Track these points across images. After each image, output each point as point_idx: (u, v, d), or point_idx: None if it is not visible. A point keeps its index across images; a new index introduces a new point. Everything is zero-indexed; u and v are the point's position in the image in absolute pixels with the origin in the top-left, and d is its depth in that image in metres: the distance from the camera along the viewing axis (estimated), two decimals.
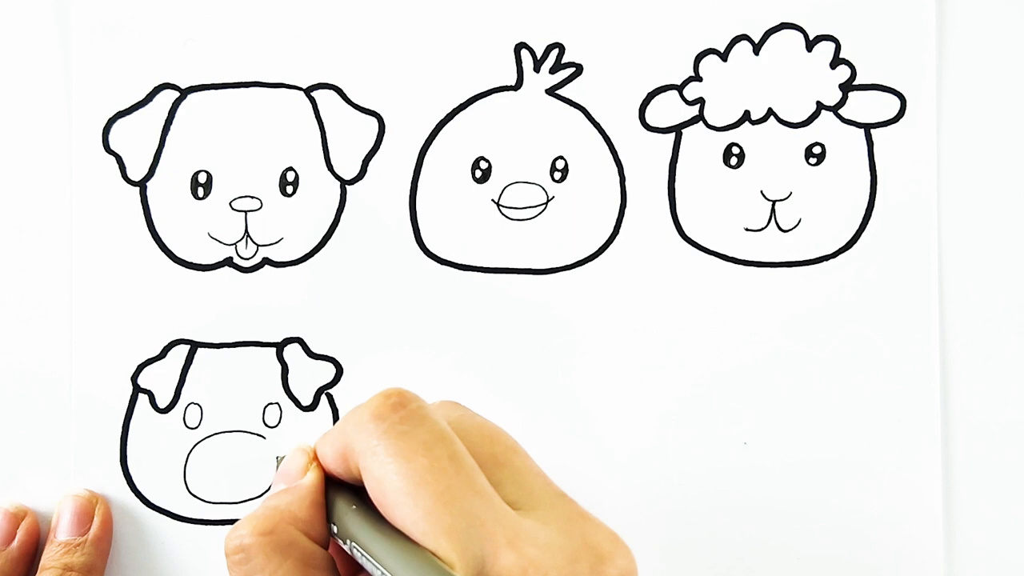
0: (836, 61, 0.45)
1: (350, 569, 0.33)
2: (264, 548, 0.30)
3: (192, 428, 0.44)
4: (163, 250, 0.44)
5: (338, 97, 0.45)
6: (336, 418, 0.45)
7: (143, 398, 0.44)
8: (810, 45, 0.45)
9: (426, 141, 0.45)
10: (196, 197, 0.45)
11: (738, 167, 0.45)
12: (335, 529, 0.31)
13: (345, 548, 0.31)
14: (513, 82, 0.45)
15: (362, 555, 0.30)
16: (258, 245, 0.45)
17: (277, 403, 0.44)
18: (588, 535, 0.29)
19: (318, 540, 0.31)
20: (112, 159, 0.44)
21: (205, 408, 0.44)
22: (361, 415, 0.30)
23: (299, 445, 0.33)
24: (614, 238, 0.45)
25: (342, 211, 0.45)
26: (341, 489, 0.32)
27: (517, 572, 0.27)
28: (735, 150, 0.45)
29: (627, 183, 0.45)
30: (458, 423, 0.31)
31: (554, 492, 0.31)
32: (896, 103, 0.45)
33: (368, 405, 0.30)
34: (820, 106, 0.45)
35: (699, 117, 0.45)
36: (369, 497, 0.30)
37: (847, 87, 0.45)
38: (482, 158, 0.45)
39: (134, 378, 0.44)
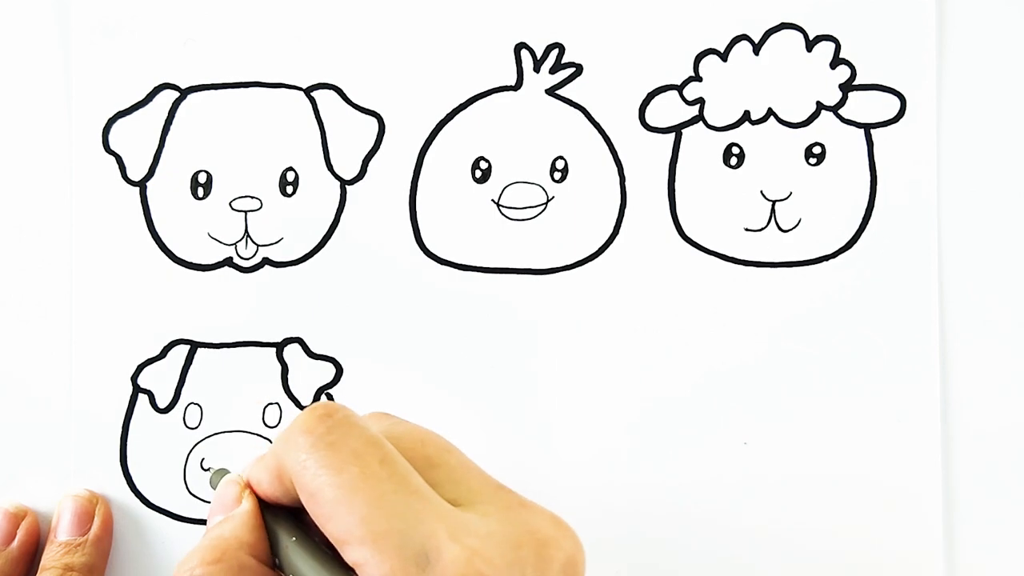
0: (836, 61, 0.45)
1: None
2: None
3: (192, 428, 0.44)
4: (163, 250, 0.44)
5: (338, 97, 0.45)
6: None
7: (143, 398, 0.44)
8: (810, 45, 0.45)
9: (426, 141, 0.45)
10: (196, 197, 0.45)
11: (738, 167, 0.45)
12: (277, 561, 0.31)
13: None
14: (513, 82, 0.45)
15: None
16: (258, 245, 0.45)
17: (277, 403, 0.44)
18: (529, 522, 0.29)
19: (267, 561, 0.31)
20: (112, 159, 0.44)
21: (205, 408, 0.44)
22: (290, 432, 0.30)
23: (228, 476, 0.34)
24: (614, 238, 0.45)
25: (342, 211, 0.45)
26: (280, 518, 0.32)
27: (463, 562, 0.27)
28: (735, 150, 0.45)
29: (627, 183, 0.45)
30: (388, 431, 0.31)
31: (492, 485, 0.31)
32: (896, 103, 0.45)
33: (296, 421, 0.30)
34: (820, 106, 0.45)
35: (699, 117, 0.45)
36: (309, 518, 0.30)
37: (847, 87, 0.45)
38: (482, 158, 0.45)
39: (134, 378, 0.44)
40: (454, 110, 0.45)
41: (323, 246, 0.45)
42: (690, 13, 0.45)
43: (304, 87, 0.45)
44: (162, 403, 0.44)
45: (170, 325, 0.44)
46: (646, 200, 0.45)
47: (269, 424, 0.44)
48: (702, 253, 0.45)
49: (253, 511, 0.32)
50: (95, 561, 0.43)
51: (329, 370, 0.44)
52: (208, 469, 0.44)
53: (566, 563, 0.29)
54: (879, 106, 0.45)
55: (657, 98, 0.45)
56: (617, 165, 0.45)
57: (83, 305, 0.44)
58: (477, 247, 0.45)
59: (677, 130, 0.45)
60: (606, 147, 0.45)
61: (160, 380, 0.44)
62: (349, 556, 0.28)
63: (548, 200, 0.45)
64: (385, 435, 0.31)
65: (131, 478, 0.44)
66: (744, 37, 0.45)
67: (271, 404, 0.44)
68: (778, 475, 0.44)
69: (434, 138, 0.45)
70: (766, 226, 0.45)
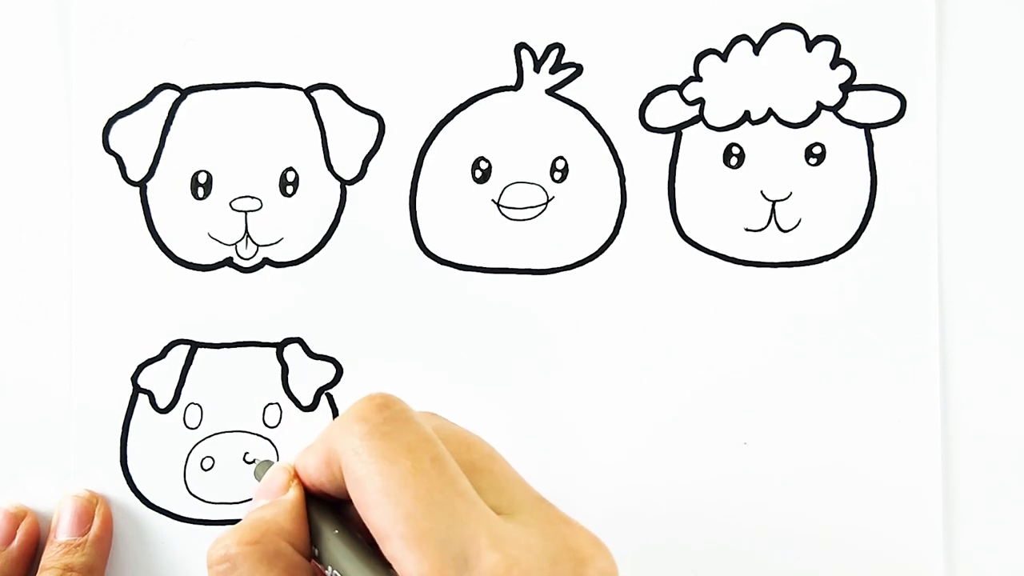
0: (836, 61, 0.45)
1: None
2: (250, 557, 0.30)
3: (192, 428, 0.44)
4: (163, 250, 0.44)
5: (338, 97, 0.45)
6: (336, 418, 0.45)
7: (143, 398, 0.44)
8: (810, 45, 0.45)
9: (426, 141, 0.45)
10: (196, 197, 0.45)
11: (738, 167, 0.45)
12: (316, 552, 0.31)
13: (327, 574, 0.31)
14: (513, 82, 0.45)
15: None
16: (258, 245, 0.45)
17: (277, 403, 0.44)
18: (569, 538, 0.29)
19: (303, 552, 0.31)
20: (112, 159, 0.44)
21: (205, 408, 0.44)
22: (345, 418, 0.30)
23: (278, 464, 0.34)
24: (614, 238, 0.45)
25: (342, 211, 0.45)
26: (324, 511, 0.32)
27: (501, 571, 0.27)
28: (735, 150, 0.45)
29: (627, 183, 0.45)
30: (436, 432, 0.31)
31: (534, 497, 0.31)
32: (896, 103, 0.45)
33: (353, 408, 0.30)
34: (820, 106, 0.45)
35: (699, 117, 0.45)
36: (352, 512, 0.30)
37: (847, 87, 0.45)
38: (482, 158, 0.45)
39: (134, 378, 0.44)
40: (454, 110, 0.45)
41: (323, 246, 0.45)
42: (690, 13, 0.45)
43: (304, 87, 0.45)
44: (162, 403, 0.44)
45: (170, 325, 0.44)
46: (646, 200, 0.45)
47: (269, 424, 0.44)
48: (702, 253, 0.45)
49: (299, 501, 0.32)
50: (95, 561, 0.43)
51: (329, 370, 0.44)
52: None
53: None
54: (879, 106, 0.45)
55: (657, 98, 0.45)
56: (617, 165, 0.45)
57: (83, 305, 0.44)
58: (477, 247, 0.45)
59: (677, 130, 0.45)
60: (606, 147, 0.45)
61: (160, 380, 0.44)
62: (388, 550, 0.28)
63: (548, 200, 0.45)
64: None
65: (131, 478, 0.44)
66: (744, 37, 0.45)
67: (271, 404, 0.44)
68: (778, 475, 0.44)
69: (434, 138, 0.45)
70: (766, 226, 0.45)
